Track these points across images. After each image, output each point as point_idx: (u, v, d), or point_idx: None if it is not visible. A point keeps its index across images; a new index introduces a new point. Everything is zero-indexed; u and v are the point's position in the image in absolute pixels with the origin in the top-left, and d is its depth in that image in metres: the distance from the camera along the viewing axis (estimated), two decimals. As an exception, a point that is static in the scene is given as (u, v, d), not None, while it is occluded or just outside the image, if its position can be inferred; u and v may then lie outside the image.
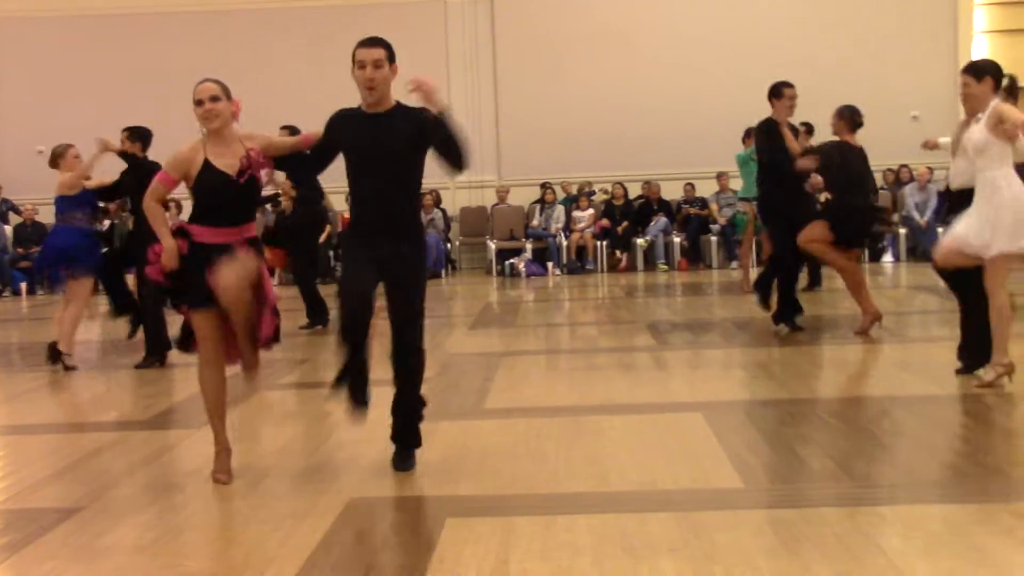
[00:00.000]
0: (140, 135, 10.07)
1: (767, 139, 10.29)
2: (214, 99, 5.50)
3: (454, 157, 5.54)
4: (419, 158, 5.56)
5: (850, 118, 10.01)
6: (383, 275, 5.48)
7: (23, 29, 20.29)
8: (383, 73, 5.50)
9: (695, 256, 19.14)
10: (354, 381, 5.48)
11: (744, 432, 6.33)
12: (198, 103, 5.51)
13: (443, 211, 19.40)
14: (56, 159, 9.89)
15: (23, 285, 18.80)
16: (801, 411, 6.94)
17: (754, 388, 7.94)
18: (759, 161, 10.71)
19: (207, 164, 5.53)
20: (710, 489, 5.25)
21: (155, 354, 9.67)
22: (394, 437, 5.76)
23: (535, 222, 19.45)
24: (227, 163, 5.55)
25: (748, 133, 14.01)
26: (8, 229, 19.55)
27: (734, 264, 18.48)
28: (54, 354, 9.70)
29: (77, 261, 9.74)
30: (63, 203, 9.88)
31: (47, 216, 19.05)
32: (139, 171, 9.35)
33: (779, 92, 10.38)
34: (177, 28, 20.03)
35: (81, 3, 20.26)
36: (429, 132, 5.44)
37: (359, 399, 5.53)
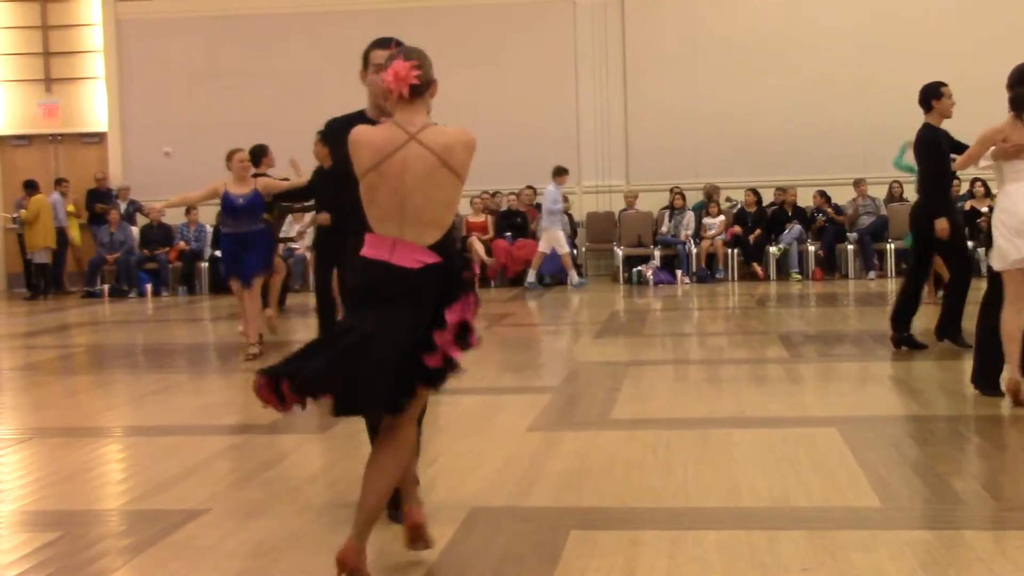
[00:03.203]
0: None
1: (928, 146, 9.63)
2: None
3: None
4: None
5: None
6: None
7: (150, 31, 20.73)
8: None
9: (831, 265, 18.69)
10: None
11: (881, 449, 6.09)
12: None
13: (570, 216, 19.29)
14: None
15: (148, 287, 19.21)
16: (942, 428, 6.66)
17: (892, 403, 7.67)
18: (921, 171, 9.96)
19: None
20: (845, 507, 5.06)
21: None
22: None
23: (664, 228, 19.20)
24: None
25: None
26: (135, 231, 20.00)
27: (871, 274, 18.03)
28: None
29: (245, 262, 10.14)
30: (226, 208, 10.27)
31: (173, 218, 19.57)
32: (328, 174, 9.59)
33: (938, 92, 9.67)
34: (301, 28, 20.28)
35: (209, 5, 20.63)
36: None
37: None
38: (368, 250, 4.18)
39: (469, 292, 4.19)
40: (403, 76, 4.15)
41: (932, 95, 9.68)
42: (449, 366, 4.10)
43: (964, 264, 9.83)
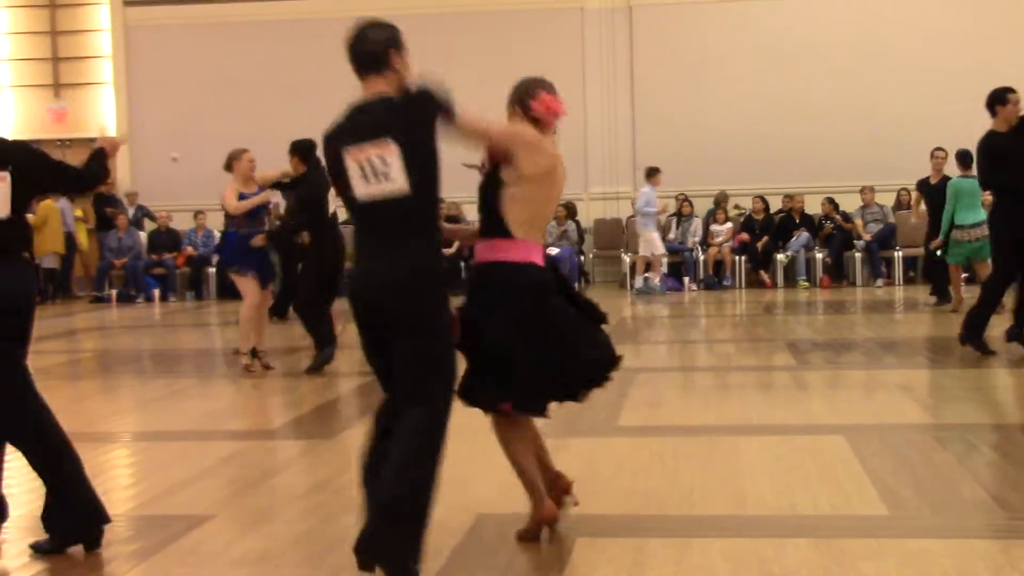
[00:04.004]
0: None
1: (989, 154, 9.39)
2: None
3: None
4: None
5: None
6: None
7: (158, 38, 20.76)
8: None
9: (838, 273, 18.66)
10: None
11: (889, 457, 6.07)
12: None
13: (577, 223, 19.27)
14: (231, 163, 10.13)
15: (156, 292, 19.24)
16: (950, 437, 6.63)
17: (900, 411, 7.63)
18: (981, 181, 9.82)
19: None
20: (852, 516, 5.05)
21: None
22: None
23: (671, 235, 19.18)
24: None
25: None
26: (143, 236, 20.03)
27: (879, 282, 17.99)
28: (253, 353, 9.98)
29: (236, 261, 10.03)
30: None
31: (181, 223, 19.60)
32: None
33: (1004, 98, 9.46)
34: (309, 34, 20.26)
35: (217, 11, 20.70)
36: None
37: None
38: (531, 255, 4.57)
39: None
40: (554, 109, 4.69)
41: (997, 101, 9.53)
42: None
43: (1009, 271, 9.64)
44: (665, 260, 18.54)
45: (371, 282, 4.25)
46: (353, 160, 4.22)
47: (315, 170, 9.83)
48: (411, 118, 4.23)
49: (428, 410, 4.21)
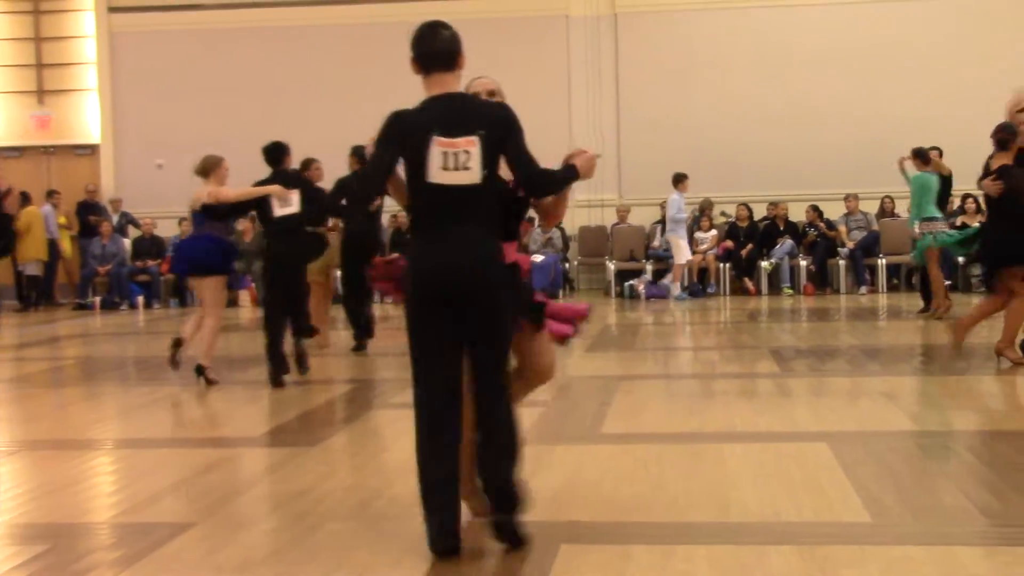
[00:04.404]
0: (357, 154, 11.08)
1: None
2: (492, 95, 5.20)
3: None
4: None
5: None
6: None
7: (143, 44, 20.73)
8: None
9: (822, 280, 18.71)
10: None
11: (872, 464, 6.08)
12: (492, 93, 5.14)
13: (562, 230, 19.28)
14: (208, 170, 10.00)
15: (140, 299, 19.19)
16: (933, 444, 6.66)
17: (883, 419, 7.64)
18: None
19: None
20: (835, 523, 5.05)
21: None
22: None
23: (656, 243, 19.22)
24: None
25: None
26: (127, 242, 19.97)
27: (863, 289, 18.04)
28: (199, 370, 9.78)
29: (207, 266, 9.85)
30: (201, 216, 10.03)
31: (165, 230, 19.56)
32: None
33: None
34: (294, 41, 20.29)
35: (202, 18, 20.67)
36: None
37: None
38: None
39: None
40: None
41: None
42: None
43: None
44: (650, 267, 18.58)
45: (443, 260, 4.59)
46: (439, 148, 4.57)
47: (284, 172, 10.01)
48: (497, 122, 4.68)
49: (505, 388, 4.72)
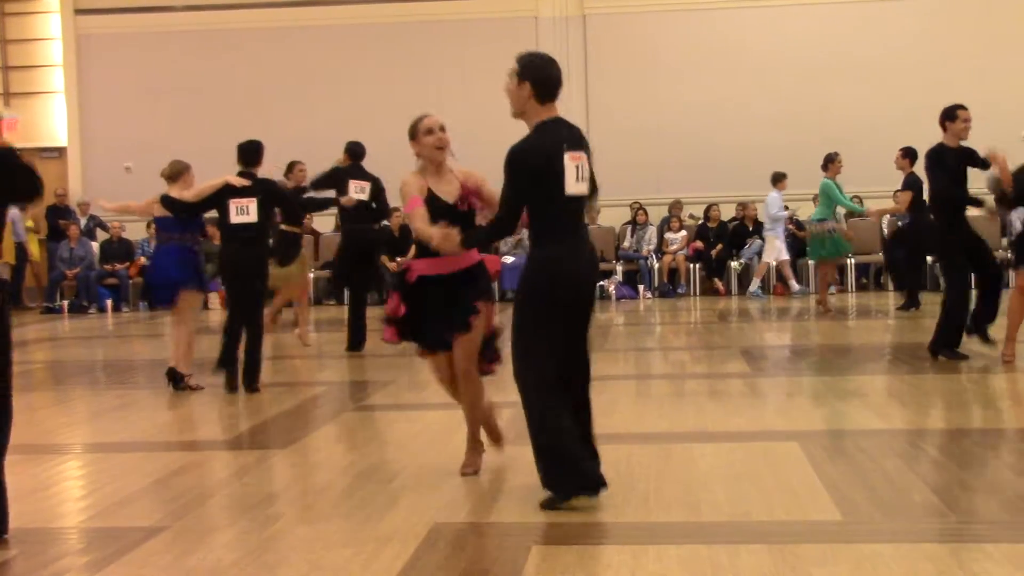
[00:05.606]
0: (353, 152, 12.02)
1: (938, 167, 9.63)
2: (443, 129, 5.92)
3: None
4: None
5: None
6: None
7: (110, 46, 20.61)
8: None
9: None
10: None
11: (842, 463, 6.13)
12: (429, 132, 5.88)
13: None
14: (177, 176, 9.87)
15: (109, 302, 19.08)
16: (901, 442, 6.70)
17: (852, 417, 7.70)
18: (932, 191, 9.94)
19: (431, 193, 5.83)
20: (806, 521, 5.08)
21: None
22: None
23: (626, 243, 19.27)
24: (447, 191, 5.88)
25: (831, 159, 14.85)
26: (95, 246, 19.85)
27: (832, 289, 18.12)
28: (175, 378, 9.67)
29: (183, 281, 9.74)
30: (168, 222, 9.87)
31: (133, 233, 19.45)
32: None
33: (953, 115, 9.71)
34: (262, 44, 20.23)
35: (169, 20, 20.58)
36: None
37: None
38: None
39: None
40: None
41: (947, 117, 9.80)
42: None
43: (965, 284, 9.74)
44: (620, 268, 18.60)
45: (582, 262, 5.34)
46: (572, 161, 5.22)
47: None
48: (586, 142, 5.40)
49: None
